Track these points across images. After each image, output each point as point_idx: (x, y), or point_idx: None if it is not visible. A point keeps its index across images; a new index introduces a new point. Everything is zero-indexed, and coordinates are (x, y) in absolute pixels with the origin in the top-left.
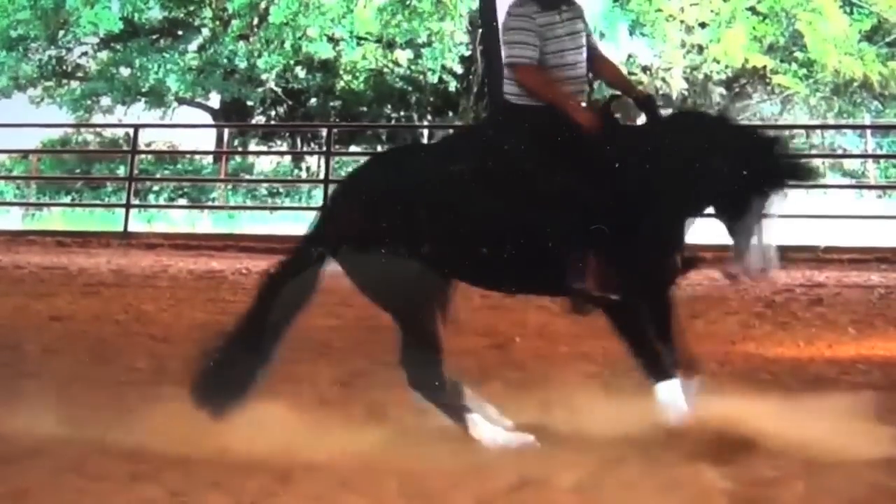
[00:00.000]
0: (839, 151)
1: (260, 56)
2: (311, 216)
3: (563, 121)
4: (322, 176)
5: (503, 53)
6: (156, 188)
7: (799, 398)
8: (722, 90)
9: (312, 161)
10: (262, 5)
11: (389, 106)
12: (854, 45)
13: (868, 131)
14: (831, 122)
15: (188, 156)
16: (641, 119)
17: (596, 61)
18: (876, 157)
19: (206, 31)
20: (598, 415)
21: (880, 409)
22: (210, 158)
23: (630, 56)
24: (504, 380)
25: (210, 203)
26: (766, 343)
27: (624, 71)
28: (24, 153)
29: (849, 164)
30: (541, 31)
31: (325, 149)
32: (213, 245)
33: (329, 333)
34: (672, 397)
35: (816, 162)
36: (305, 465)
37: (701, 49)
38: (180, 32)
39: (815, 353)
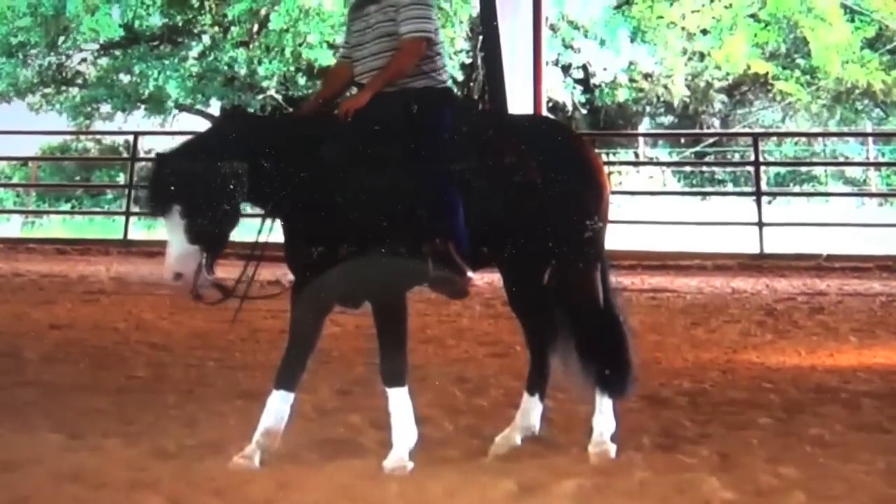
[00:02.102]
0: (841, 159)
1: (260, 63)
2: None
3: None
4: None
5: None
6: None
7: None
8: (723, 97)
9: None
10: (263, 12)
11: None
12: (856, 53)
13: (870, 139)
14: (833, 129)
15: None
16: None
17: None
18: (878, 165)
19: (206, 38)
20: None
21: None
22: None
23: (631, 63)
24: (504, 388)
25: None
26: (767, 351)
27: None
28: (24, 160)
29: (850, 171)
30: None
31: None
32: None
33: (329, 342)
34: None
35: (818, 170)
36: (306, 473)
37: (702, 56)
38: (180, 39)
39: (816, 362)
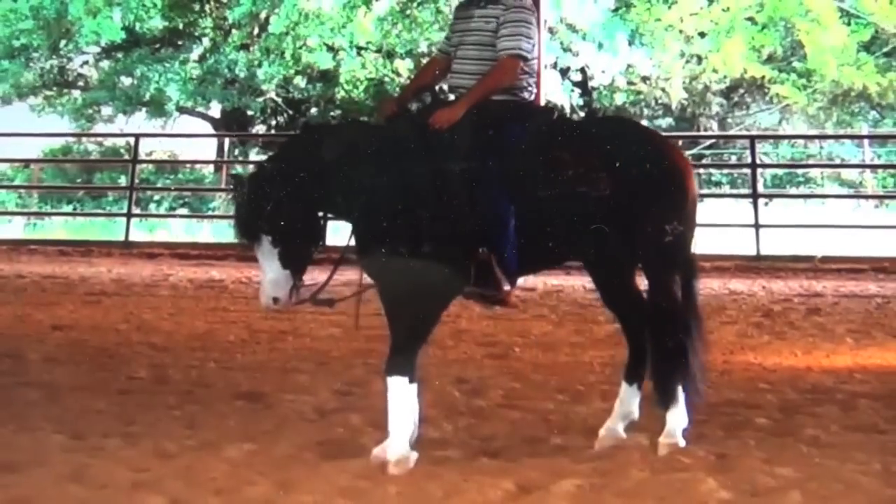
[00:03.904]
0: (837, 161)
1: (260, 65)
2: None
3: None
4: None
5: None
6: (157, 197)
7: None
8: (721, 100)
9: None
10: (263, 15)
11: None
12: (852, 55)
13: (866, 141)
14: (830, 131)
15: (189, 165)
16: None
17: None
18: (874, 168)
19: (206, 41)
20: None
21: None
22: (211, 168)
23: (629, 66)
24: (503, 389)
25: (211, 212)
26: (764, 352)
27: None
28: (26, 162)
29: (847, 174)
30: None
31: None
32: (213, 254)
33: (328, 343)
34: None
35: (815, 172)
36: (305, 473)
37: (700, 59)
38: (181, 42)
39: (812, 363)
